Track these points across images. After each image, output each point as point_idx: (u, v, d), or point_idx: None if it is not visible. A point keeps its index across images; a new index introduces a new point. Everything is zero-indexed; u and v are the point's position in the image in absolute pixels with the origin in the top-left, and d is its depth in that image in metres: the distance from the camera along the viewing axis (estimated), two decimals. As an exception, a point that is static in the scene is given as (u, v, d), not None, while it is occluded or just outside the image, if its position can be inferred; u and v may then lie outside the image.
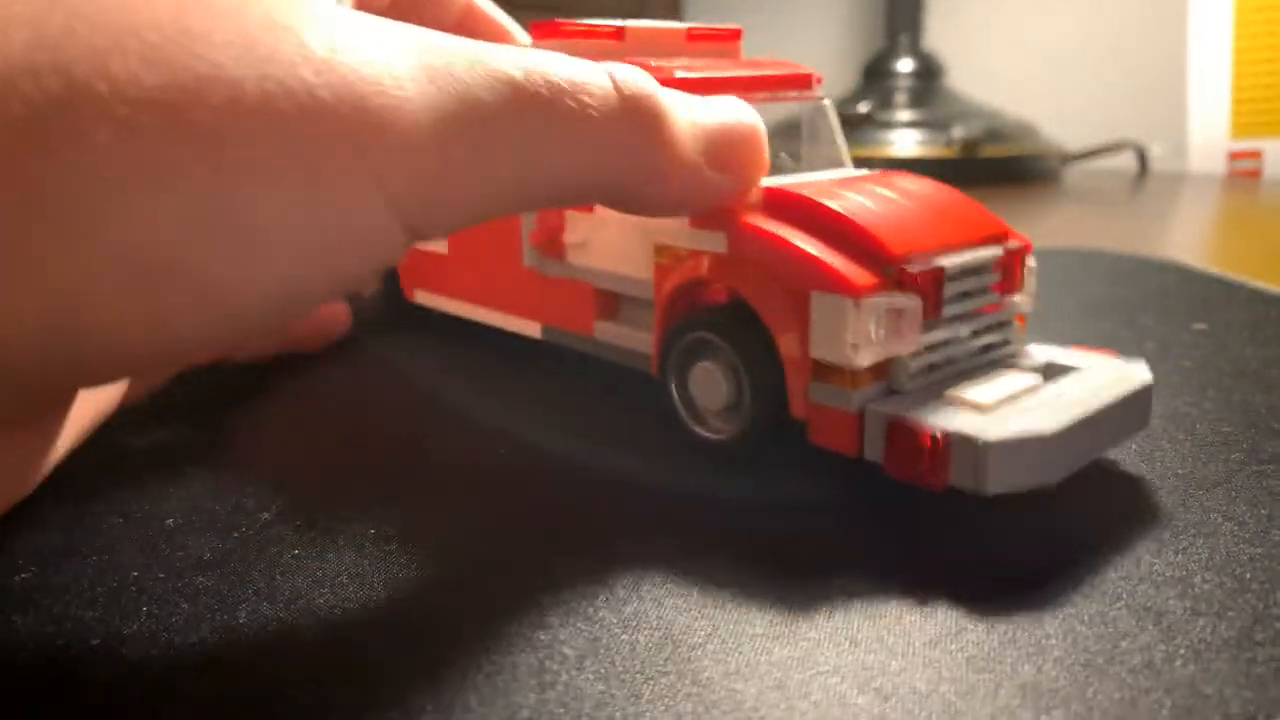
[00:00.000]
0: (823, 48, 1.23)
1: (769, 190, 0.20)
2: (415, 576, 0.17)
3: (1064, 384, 0.19)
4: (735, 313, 0.20)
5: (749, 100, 0.20)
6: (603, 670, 0.14)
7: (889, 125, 0.91)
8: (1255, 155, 0.96)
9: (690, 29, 0.25)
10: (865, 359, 0.18)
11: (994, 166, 0.87)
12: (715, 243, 0.21)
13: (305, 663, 0.14)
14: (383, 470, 0.21)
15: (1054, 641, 0.14)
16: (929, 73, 1.00)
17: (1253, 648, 0.14)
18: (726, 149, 0.18)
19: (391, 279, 0.33)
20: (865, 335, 0.18)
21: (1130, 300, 0.37)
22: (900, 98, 0.96)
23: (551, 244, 0.26)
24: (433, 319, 0.32)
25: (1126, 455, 0.21)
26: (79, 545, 0.18)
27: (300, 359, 0.30)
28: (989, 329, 0.21)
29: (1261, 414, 0.24)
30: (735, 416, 0.21)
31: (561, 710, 0.13)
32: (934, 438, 0.17)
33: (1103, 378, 0.20)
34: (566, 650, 0.14)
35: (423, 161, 0.14)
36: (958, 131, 0.86)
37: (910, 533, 0.18)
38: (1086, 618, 0.15)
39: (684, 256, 0.21)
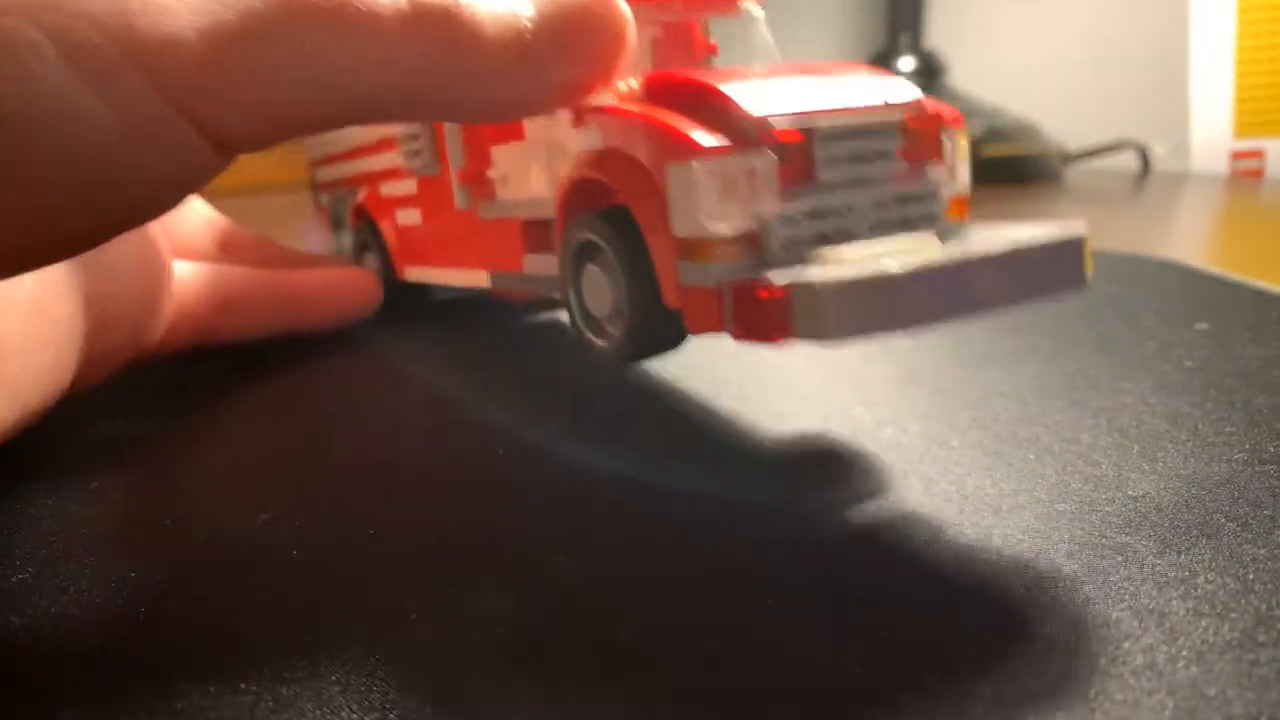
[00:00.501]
0: (823, 46, 1.23)
1: (647, 77, 0.19)
2: (414, 576, 0.17)
3: (962, 240, 0.18)
4: (619, 209, 0.19)
5: (661, 14, 0.19)
6: (603, 671, 0.14)
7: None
8: (1258, 155, 0.96)
9: None
10: (720, 226, 0.17)
11: (995, 166, 0.87)
12: (593, 138, 0.19)
13: (305, 663, 0.14)
14: (381, 467, 0.21)
15: (1056, 644, 0.14)
16: (930, 72, 1.00)
17: (1256, 649, 0.14)
18: (568, 37, 0.17)
19: (385, 261, 0.33)
20: (714, 199, 0.17)
21: (1131, 300, 0.36)
22: (901, 97, 0.96)
23: (479, 181, 0.25)
24: (427, 302, 0.32)
25: (1128, 456, 0.21)
26: (77, 545, 0.18)
27: (299, 348, 0.30)
28: (900, 202, 0.19)
29: (1264, 414, 0.24)
30: (621, 318, 0.20)
31: (563, 711, 0.13)
32: (771, 289, 0.15)
33: (1016, 233, 0.18)
34: (567, 651, 0.14)
35: (195, 61, 0.14)
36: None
37: (909, 533, 0.18)
38: (1089, 619, 0.15)
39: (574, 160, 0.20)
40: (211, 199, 0.42)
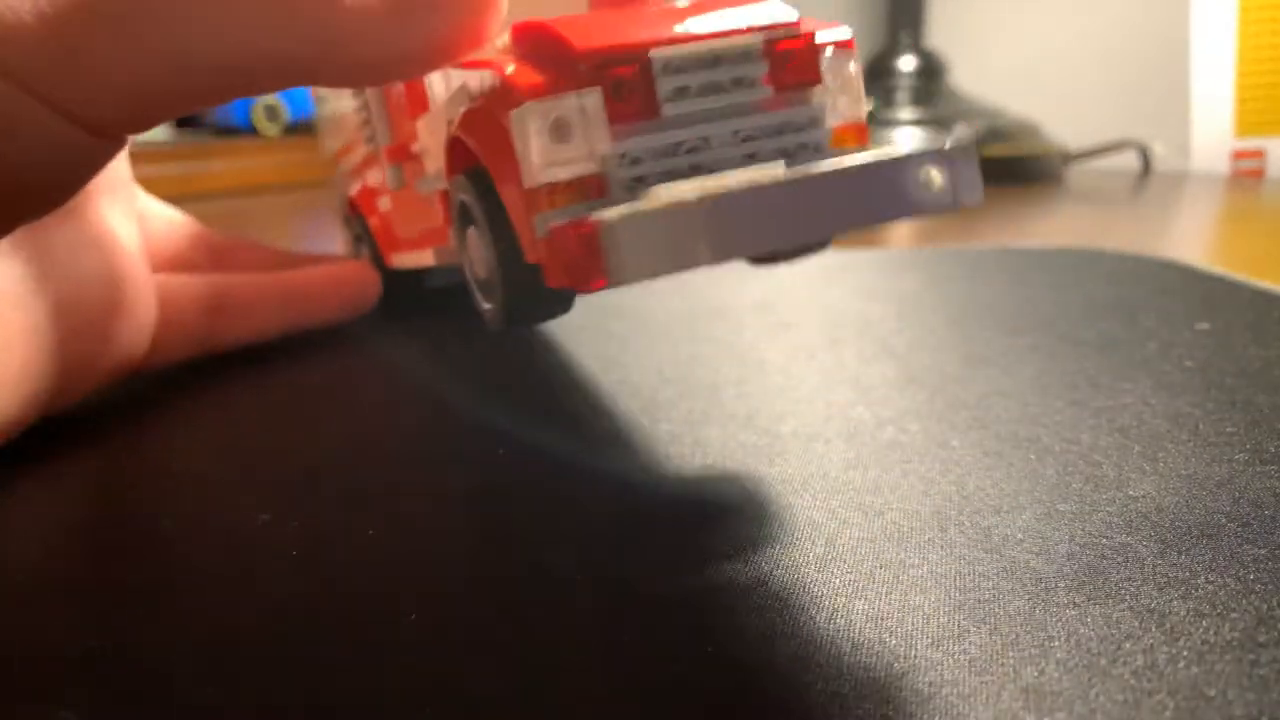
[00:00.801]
0: (824, 47, 1.22)
1: (514, 27, 0.18)
2: (415, 577, 0.17)
3: (799, 167, 0.16)
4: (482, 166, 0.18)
5: None
6: (603, 673, 0.14)
7: (890, 123, 0.91)
8: (1258, 154, 0.96)
9: None
10: (558, 171, 0.16)
11: (996, 166, 0.87)
12: (466, 98, 0.19)
13: (304, 663, 0.14)
14: (381, 467, 0.21)
15: (1056, 644, 0.14)
16: (931, 71, 1.00)
17: (1256, 649, 0.14)
18: None
19: (375, 251, 0.33)
20: (547, 143, 0.16)
21: (1132, 300, 0.36)
22: (902, 96, 0.96)
23: (407, 157, 0.25)
24: (422, 289, 0.32)
25: (1128, 456, 0.21)
26: (78, 546, 0.18)
27: (297, 348, 0.30)
28: (773, 132, 0.18)
29: (1265, 414, 0.24)
30: (496, 279, 0.19)
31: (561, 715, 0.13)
32: (578, 226, 0.15)
33: (855, 156, 0.17)
34: (566, 654, 0.14)
35: (41, 45, 0.14)
36: (960, 131, 0.86)
37: (911, 536, 0.18)
38: (1089, 619, 0.15)
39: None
40: (212, 199, 0.41)
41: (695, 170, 0.17)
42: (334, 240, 0.41)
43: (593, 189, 0.17)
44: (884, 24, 1.07)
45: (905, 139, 0.19)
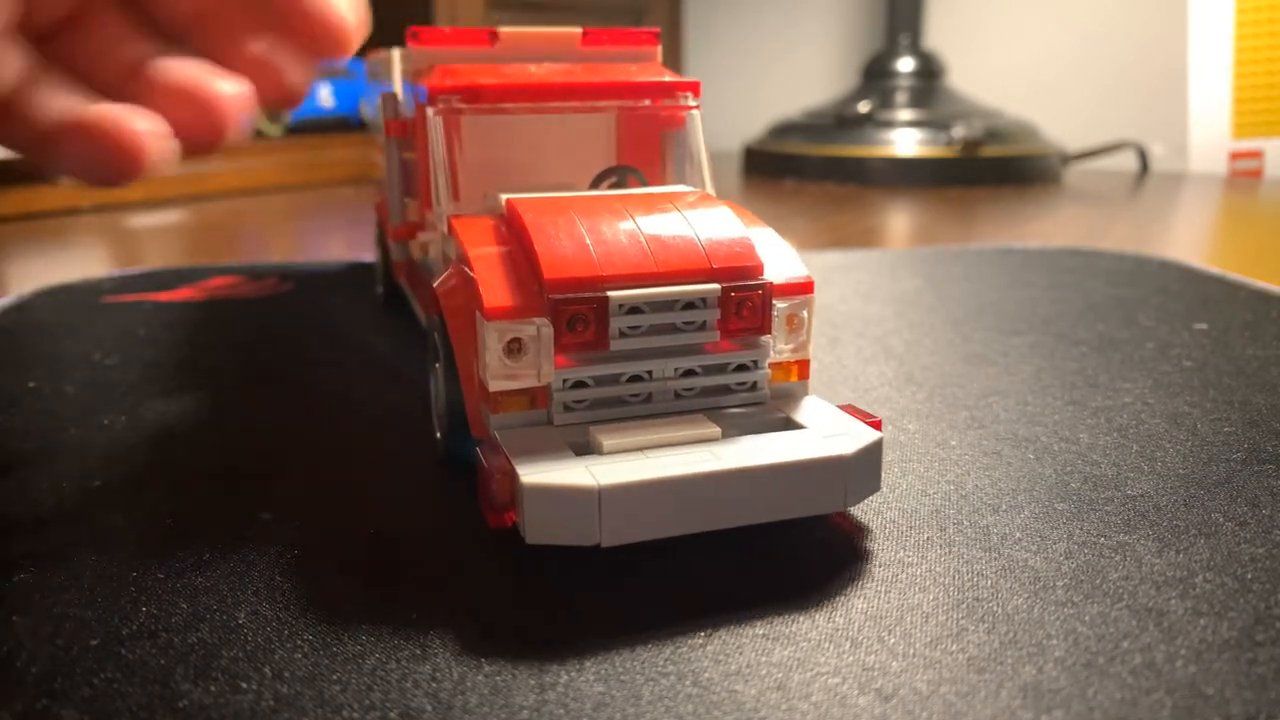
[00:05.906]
0: (823, 47, 1.23)
1: (509, 202, 0.20)
2: (415, 576, 0.17)
3: (733, 444, 0.17)
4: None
5: (594, 110, 0.22)
6: (603, 671, 0.14)
7: (889, 125, 0.91)
8: (1256, 155, 0.96)
9: (586, 31, 0.25)
10: (504, 383, 0.18)
11: (995, 166, 0.87)
12: (453, 249, 0.21)
13: (305, 663, 0.14)
14: (381, 468, 0.21)
15: (1055, 642, 0.14)
16: (929, 72, 1.00)
17: (1254, 648, 0.14)
18: None
19: (385, 257, 0.35)
20: (500, 357, 0.18)
21: (1131, 300, 0.37)
22: (900, 97, 0.96)
23: (411, 236, 0.28)
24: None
25: (1127, 455, 0.21)
26: (80, 545, 0.18)
27: (296, 348, 0.30)
28: (714, 370, 0.19)
29: (1262, 413, 0.24)
30: (442, 424, 0.21)
31: (561, 711, 0.13)
32: (492, 471, 0.16)
33: (783, 446, 0.17)
34: (566, 650, 0.14)
35: None
36: (958, 131, 0.86)
37: (910, 535, 0.18)
38: (1088, 618, 0.15)
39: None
40: (213, 199, 0.42)
41: (638, 398, 0.19)
42: (334, 240, 0.42)
43: (539, 399, 0.18)
44: (883, 25, 1.08)
45: (816, 407, 0.20)
